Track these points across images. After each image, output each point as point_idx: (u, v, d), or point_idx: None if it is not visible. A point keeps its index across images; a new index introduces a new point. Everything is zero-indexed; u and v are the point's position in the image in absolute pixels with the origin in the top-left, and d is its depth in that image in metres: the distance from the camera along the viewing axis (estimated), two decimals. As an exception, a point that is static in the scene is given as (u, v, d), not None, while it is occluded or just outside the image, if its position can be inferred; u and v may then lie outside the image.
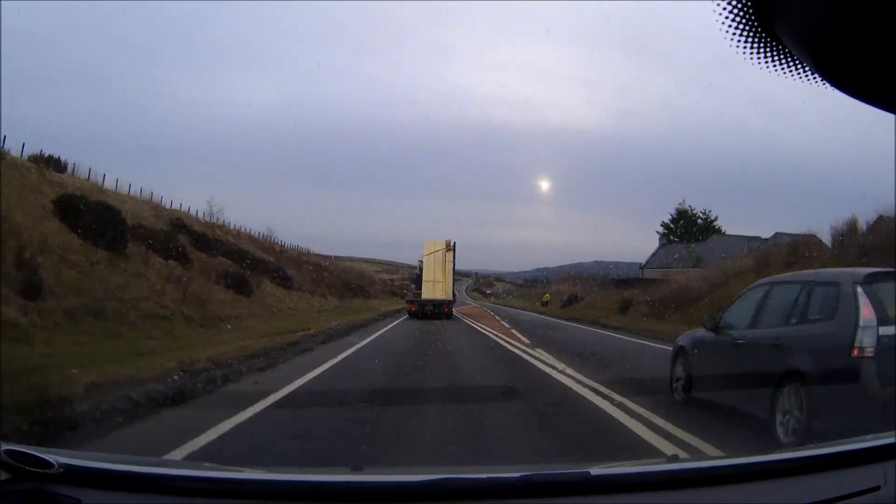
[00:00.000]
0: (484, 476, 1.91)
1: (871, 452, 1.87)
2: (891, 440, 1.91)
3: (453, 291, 28.15)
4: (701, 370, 6.21)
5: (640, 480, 1.83)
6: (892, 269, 4.77)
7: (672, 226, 52.08)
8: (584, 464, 2.46)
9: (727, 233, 45.68)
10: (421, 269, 28.43)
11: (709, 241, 42.21)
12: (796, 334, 4.88)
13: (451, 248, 27.30)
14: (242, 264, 22.73)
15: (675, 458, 3.00)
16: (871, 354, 4.06)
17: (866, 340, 4.10)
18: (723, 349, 5.89)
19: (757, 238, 38.09)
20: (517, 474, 1.76)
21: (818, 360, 4.49)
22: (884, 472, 1.72)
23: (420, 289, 27.36)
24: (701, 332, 6.48)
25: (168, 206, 28.27)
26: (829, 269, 6.53)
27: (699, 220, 51.92)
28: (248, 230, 36.65)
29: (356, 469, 2.30)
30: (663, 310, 24.29)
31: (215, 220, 28.78)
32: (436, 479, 1.75)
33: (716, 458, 2.42)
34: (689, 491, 1.72)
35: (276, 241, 39.70)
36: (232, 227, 33.46)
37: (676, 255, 41.14)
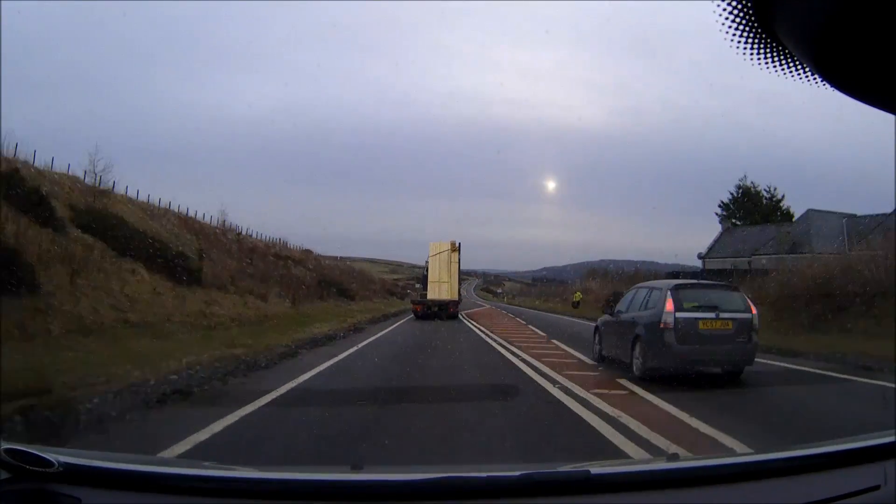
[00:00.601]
0: (483, 475, 1.84)
1: (870, 451, 1.84)
2: (891, 439, 1.86)
3: (459, 292, 27.57)
4: (605, 339, 9.86)
5: (640, 479, 1.78)
6: (693, 281, 10.26)
7: (731, 206, 42.33)
8: (584, 462, 2.33)
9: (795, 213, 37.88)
10: (427, 269, 27.23)
11: (802, 221, 33.10)
12: (641, 315, 8.47)
13: (456, 248, 26.69)
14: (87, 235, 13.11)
15: (675, 458, 2.93)
16: (671, 326, 7.67)
17: (668, 319, 7.71)
18: (614, 325, 9.49)
19: (853, 215, 31.21)
20: (517, 473, 1.73)
21: (648, 329, 8.06)
22: (884, 471, 1.69)
23: (426, 289, 26.38)
24: (606, 317, 10.03)
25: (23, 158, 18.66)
26: (661, 280, 10.74)
27: (763, 200, 42.17)
28: (185, 210, 27.64)
29: (356, 468, 2.06)
30: (820, 315, 14.76)
31: (97, 184, 18.83)
32: (435, 478, 1.71)
33: (716, 457, 2.39)
34: (689, 490, 1.69)
35: (231, 226, 30.40)
36: (143, 198, 24.21)
37: (769, 239, 32.24)
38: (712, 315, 7.86)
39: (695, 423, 5.31)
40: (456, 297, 26.19)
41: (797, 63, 0.91)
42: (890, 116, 0.93)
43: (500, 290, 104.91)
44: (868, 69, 0.87)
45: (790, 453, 1.95)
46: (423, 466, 3.07)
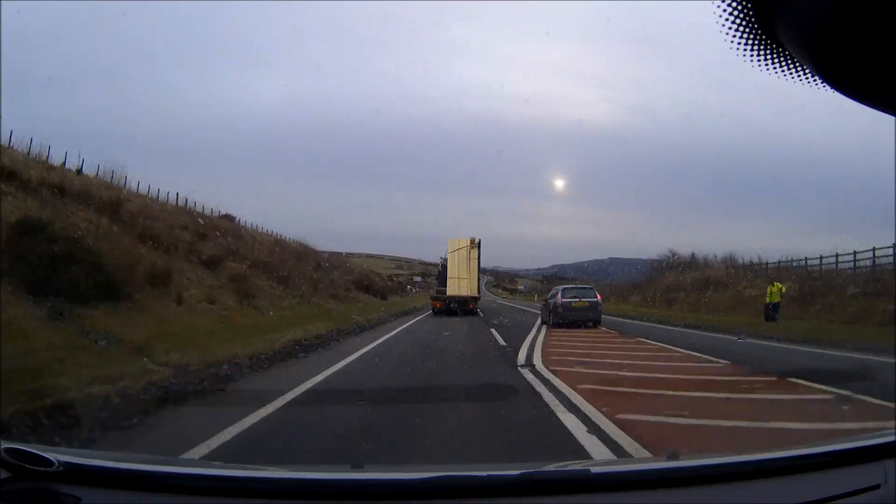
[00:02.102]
0: (483, 474, 1.83)
1: (870, 451, 1.85)
2: (891, 438, 1.87)
3: (479, 288, 27.95)
4: (542, 313, 22.04)
5: (640, 479, 1.79)
6: (572, 286, 21.49)
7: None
8: (584, 462, 2.40)
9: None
10: (444, 266, 27.92)
11: None
12: (551, 301, 20.42)
13: (475, 245, 27.10)
14: None
15: (675, 457, 2.57)
16: (560, 305, 19.19)
17: (559, 302, 19.31)
18: (544, 306, 22.09)
19: None
20: (517, 472, 1.72)
21: (553, 306, 19.63)
22: (883, 470, 1.70)
23: (444, 286, 26.99)
24: (542, 303, 24.24)
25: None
26: (561, 285, 22.70)
27: None
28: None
29: (356, 467, 2.11)
30: None
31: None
32: (435, 477, 1.71)
33: (716, 456, 2.16)
34: (689, 489, 1.68)
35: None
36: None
37: None
38: (577, 299, 19.18)
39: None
40: (476, 294, 26.80)
41: (797, 64, 0.92)
42: (890, 117, 0.94)
43: (521, 287, 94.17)
44: (868, 70, 0.88)
45: (790, 452, 1.96)
46: (424, 466, 3.13)
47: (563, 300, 19.04)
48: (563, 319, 18.49)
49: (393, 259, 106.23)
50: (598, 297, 19.89)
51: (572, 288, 20.62)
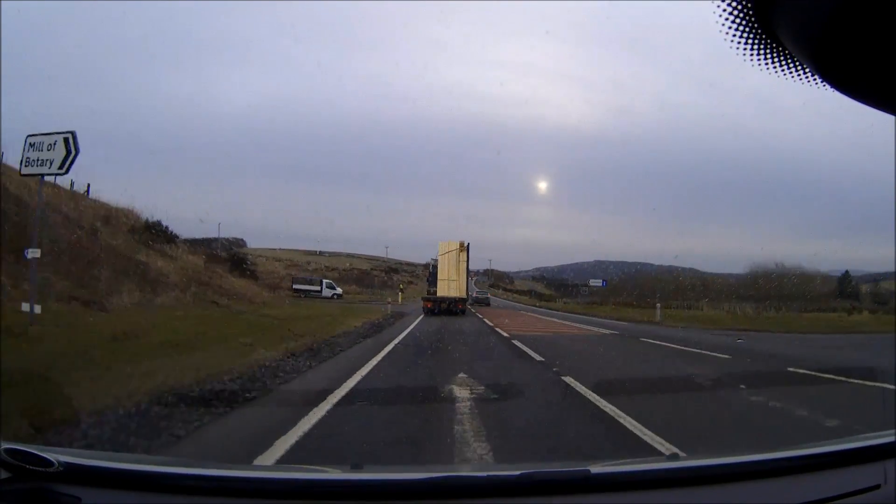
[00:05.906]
0: (483, 474, 1.89)
1: (870, 451, 1.86)
2: (891, 439, 1.89)
3: (468, 290, 29.63)
4: (470, 299, 33.84)
5: (640, 479, 1.79)
6: (481, 290, 51.55)
7: None
8: (584, 462, 2.47)
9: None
10: (435, 268, 29.29)
11: None
12: (479, 294, 47.85)
13: (464, 248, 28.50)
14: None
15: (675, 457, 3.02)
16: (474, 297, 40.45)
17: (473, 296, 39.52)
18: (475, 299, 42.44)
19: None
20: (517, 472, 1.73)
21: (474, 298, 40.65)
22: (884, 470, 1.71)
23: (435, 287, 28.39)
24: (473, 297, 40.82)
25: None
26: (477, 288, 53.31)
27: None
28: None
29: (356, 467, 2.16)
30: None
31: None
32: (435, 478, 1.73)
33: (716, 456, 2.21)
34: (689, 489, 1.70)
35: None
36: None
37: None
38: (481, 295, 45.67)
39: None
40: (464, 295, 28.05)
41: (797, 63, 0.92)
42: (890, 116, 0.93)
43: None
44: (868, 69, 0.87)
45: (790, 453, 1.96)
46: (424, 466, 3.24)
47: (475, 295, 41.37)
48: (473, 303, 36.75)
49: (375, 260, 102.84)
50: (489, 294, 48.91)
51: (479, 291, 47.76)
